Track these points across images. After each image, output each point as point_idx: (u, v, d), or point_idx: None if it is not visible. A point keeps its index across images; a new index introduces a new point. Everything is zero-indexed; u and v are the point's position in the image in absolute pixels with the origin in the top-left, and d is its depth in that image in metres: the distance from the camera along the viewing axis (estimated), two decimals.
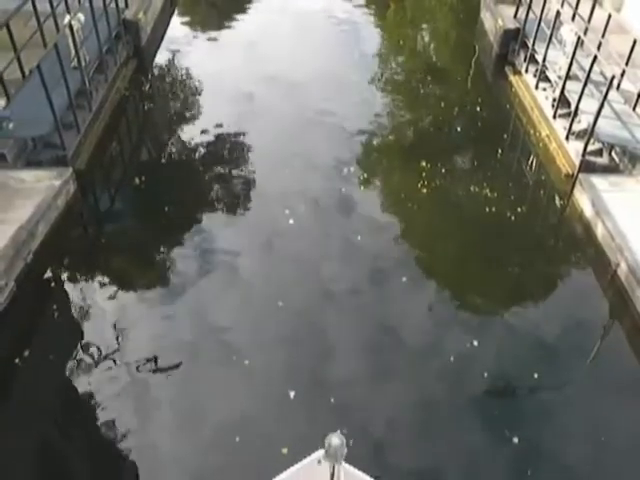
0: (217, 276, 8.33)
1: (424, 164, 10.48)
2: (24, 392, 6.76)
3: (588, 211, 9.23)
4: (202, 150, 11.12)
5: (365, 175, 10.41)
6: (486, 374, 6.97)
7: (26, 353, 7.01)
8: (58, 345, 7.35)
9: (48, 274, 8.18)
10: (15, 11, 9.47)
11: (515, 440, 6.23)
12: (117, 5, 12.47)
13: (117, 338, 7.28)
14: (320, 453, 4.44)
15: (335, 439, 3.71)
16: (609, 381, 7.07)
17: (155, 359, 7.01)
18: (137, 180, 10.08)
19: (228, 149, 11.16)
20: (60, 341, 7.43)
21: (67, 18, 10.09)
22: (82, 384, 6.78)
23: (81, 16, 10.35)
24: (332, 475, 4.19)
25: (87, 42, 10.68)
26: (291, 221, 9.14)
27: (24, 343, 7.17)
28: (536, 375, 6.97)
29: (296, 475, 4.61)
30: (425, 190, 9.95)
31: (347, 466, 4.35)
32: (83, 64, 10.36)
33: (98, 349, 7.13)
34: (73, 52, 10.17)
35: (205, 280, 8.25)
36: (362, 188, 10.10)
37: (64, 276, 8.30)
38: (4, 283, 7.37)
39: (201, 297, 7.97)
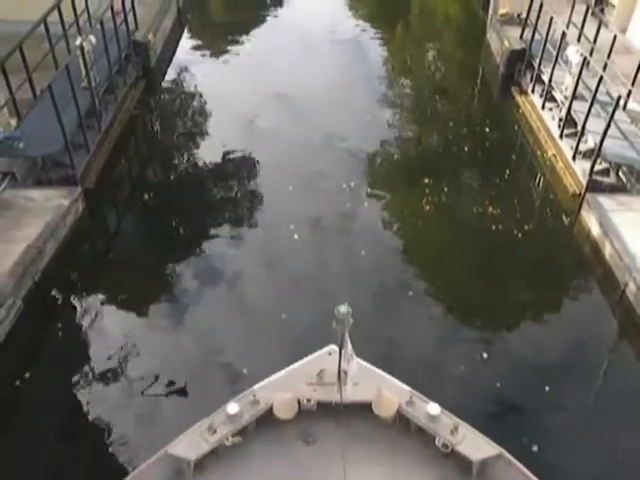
0: (224, 294, 8.34)
1: (431, 183, 10.51)
2: (29, 411, 6.75)
3: (596, 231, 9.20)
4: (209, 169, 11.19)
5: (373, 194, 10.43)
6: (492, 392, 6.91)
7: (33, 372, 7.02)
8: (65, 364, 7.35)
9: (56, 293, 8.20)
10: (28, 33, 9.63)
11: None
12: (127, 27, 12.66)
13: (124, 357, 7.27)
14: (331, 347, 5.21)
15: (343, 308, 4.22)
16: (618, 401, 6.98)
17: (157, 378, 7.00)
18: (145, 200, 10.15)
19: (235, 168, 11.23)
20: (67, 360, 7.43)
21: (78, 40, 10.25)
22: (88, 402, 6.77)
23: (92, 38, 10.51)
24: (340, 364, 4.68)
25: (97, 63, 10.83)
26: (296, 236, 9.18)
27: (31, 362, 7.18)
28: (543, 394, 6.90)
29: (308, 365, 5.32)
30: (432, 208, 9.96)
31: (355, 357, 4.72)
32: (93, 84, 10.49)
33: (105, 368, 7.13)
34: (84, 73, 10.31)
35: (212, 299, 8.26)
36: (369, 206, 10.13)
37: (72, 295, 8.32)
38: (12, 302, 7.40)
39: (208, 317, 7.97)
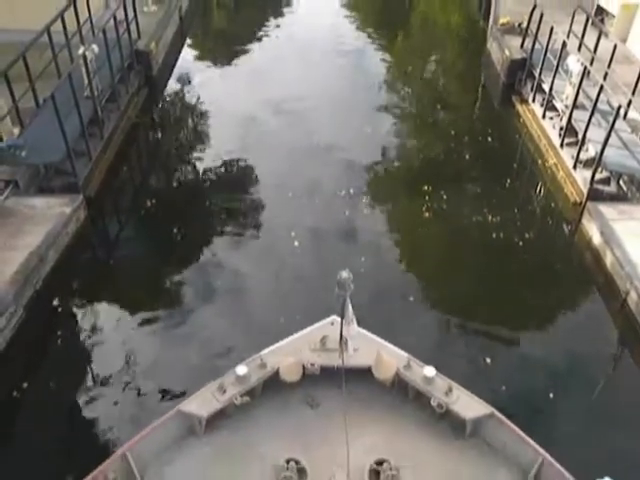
0: (226, 303, 8.34)
1: (432, 191, 10.53)
2: (28, 422, 6.72)
3: (597, 239, 9.21)
4: (210, 178, 11.23)
5: (373, 202, 10.45)
6: (495, 398, 6.88)
7: (33, 381, 7.01)
8: (66, 373, 7.34)
9: (57, 301, 8.21)
10: (31, 42, 9.68)
11: None
12: (130, 36, 12.73)
13: (125, 365, 7.27)
14: (333, 317, 5.60)
15: (344, 273, 4.51)
16: (620, 409, 6.97)
17: (157, 387, 6.99)
18: (146, 208, 10.17)
19: (236, 176, 11.27)
20: (68, 368, 7.42)
21: (81, 49, 10.31)
22: (89, 412, 6.76)
23: (95, 47, 10.58)
24: (341, 331, 5.09)
25: (100, 72, 10.88)
26: (296, 243, 9.19)
27: (31, 371, 7.18)
28: (544, 403, 6.89)
29: (311, 333, 5.68)
30: (433, 216, 9.98)
31: (356, 327, 5.16)
32: (95, 93, 10.54)
33: (106, 376, 7.12)
34: (86, 82, 10.36)
35: (214, 308, 8.26)
36: (369, 214, 10.14)
37: (73, 303, 8.33)
38: (13, 310, 7.40)
39: (210, 325, 7.97)
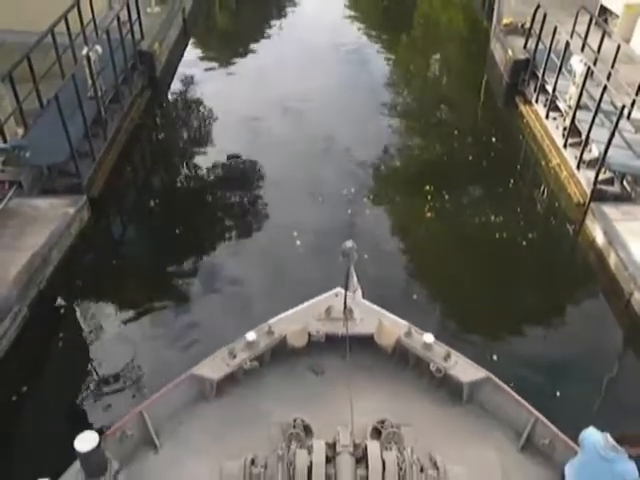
0: (229, 302, 8.34)
1: (435, 191, 10.53)
2: (32, 421, 6.74)
3: (600, 240, 9.19)
4: (214, 178, 11.25)
5: (376, 201, 10.47)
6: None
7: (38, 380, 7.03)
8: (69, 372, 7.36)
9: (61, 301, 8.23)
10: (36, 44, 9.71)
11: None
12: (133, 37, 12.75)
13: (129, 365, 7.28)
14: (337, 289, 5.97)
15: (349, 243, 4.89)
16: (625, 410, 6.95)
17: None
18: (150, 208, 10.19)
19: (240, 176, 11.28)
20: (71, 368, 7.45)
21: (85, 50, 10.33)
22: (93, 410, 6.78)
23: (98, 48, 10.60)
24: (345, 301, 5.45)
25: (103, 73, 10.90)
26: (298, 242, 9.20)
27: (35, 370, 7.20)
28: (548, 404, 6.87)
29: (317, 303, 6.01)
30: (436, 216, 9.98)
31: (359, 298, 5.65)
32: (99, 94, 10.57)
33: (110, 375, 7.14)
34: (90, 82, 10.39)
35: (217, 308, 8.26)
36: (372, 213, 10.16)
37: (76, 303, 8.35)
38: (17, 310, 7.42)
39: (213, 323, 7.98)
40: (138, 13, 13.16)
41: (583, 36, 12.21)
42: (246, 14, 20.39)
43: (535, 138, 12.21)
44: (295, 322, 5.80)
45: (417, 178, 11.26)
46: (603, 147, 9.43)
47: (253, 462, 4.57)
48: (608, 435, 4.45)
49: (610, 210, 9.41)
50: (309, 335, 5.72)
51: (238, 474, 4.48)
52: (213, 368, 5.48)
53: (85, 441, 4.42)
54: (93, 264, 9.42)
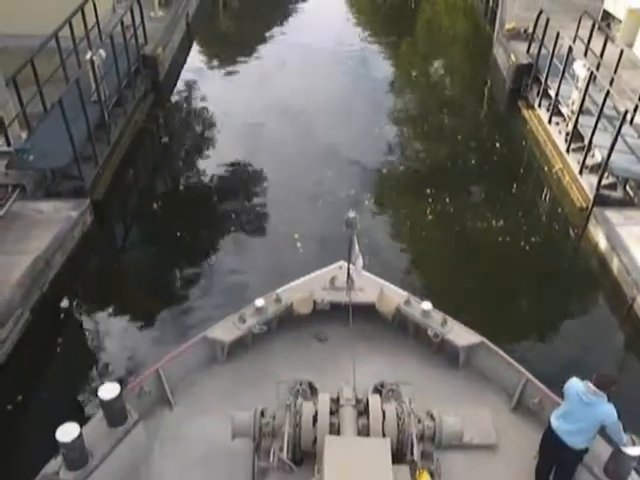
0: (231, 305, 8.32)
1: (438, 195, 10.54)
2: (32, 427, 6.74)
3: (603, 245, 9.18)
4: (216, 182, 11.26)
5: (378, 206, 10.48)
6: None
7: (40, 383, 7.03)
8: (72, 375, 7.36)
9: (63, 303, 8.24)
10: (40, 48, 9.75)
11: None
12: (137, 41, 12.80)
13: (131, 367, 7.28)
14: (340, 262, 6.33)
15: (351, 213, 5.23)
16: (628, 415, 6.92)
17: None
18: (152, 211, 10.20)
19: (243, 179, 11.31)
20: (74, 371, 7.45)
21: (89, 54, 10.37)
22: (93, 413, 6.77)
23: (102, 52, 10.64)
24: (349, 268, 5.78)
25: (107, 77, 10.94)
26: (298, 244, 9.21)
27: (38, 373, 7.20)
28: None
29: (321, 275, 6.40)
30: (439, 220, 9.98)
31: (362, 271, 5.81)
32: (103, 98, 10.60)
33: (112, 379, 7.12)
34: (93, 87, 10.42)
35: (219, 309, 8.24)
36: (373, 217, 10.16)
37: (79, 305, 8.36)
38: (20, 313, 7.43)
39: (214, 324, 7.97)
40: (142, 17, 13.21)
41: (586, 41, 12.24)
42: (249, 18, 20.43)
43: (538, 143, 12.21)
44: (301, 291, 6.17)
45: (420, 182, 11.26)
46: (606, 152, 9.44)
47: (262, 413, 4.83)
48: (588, 382, 4.75)
49: (613, 215, 9.41)
50: (314, 303, 6.08)
51: (248, 423, 4.75)
52: (224, 331, 5.85)
53: (108, 391, 4.79)
54: (96, 267, 9.44)
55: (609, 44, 12.00)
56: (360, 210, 10.20)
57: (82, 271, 8.99)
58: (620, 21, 15.08)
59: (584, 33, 12.36)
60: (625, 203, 9.80)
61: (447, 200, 10.52)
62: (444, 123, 13.57)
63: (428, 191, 10.75)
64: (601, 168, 9.65)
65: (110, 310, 8.30)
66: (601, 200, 9.73)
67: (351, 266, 5.75)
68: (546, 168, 11.54)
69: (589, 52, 12.09)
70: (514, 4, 16.81)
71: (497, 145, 12.49)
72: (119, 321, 8.12)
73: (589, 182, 10.08)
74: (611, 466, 4.87)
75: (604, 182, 9.77)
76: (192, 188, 11.27)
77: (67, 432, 4.53)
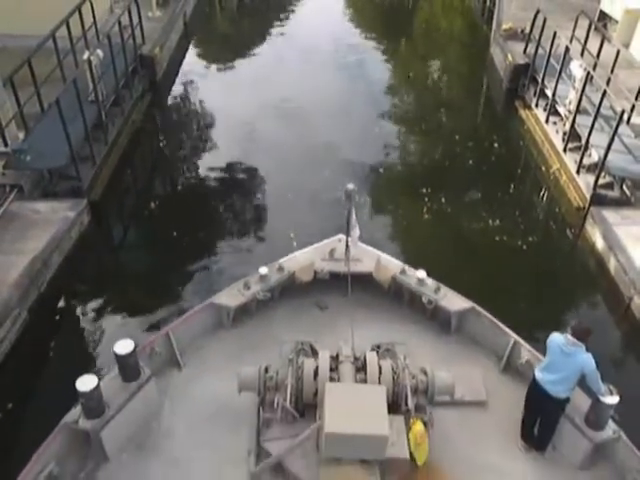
0: None
1: (435, 195, 10.55)
2: (28, 429, 6.72)
3: (600, 244, 9.20)
4: (213, 182, 11.26)
5: (376, 206, 10.47)
6: None
7: (38, 382, 7.02)
8: (69, 376, 7.34)
9: (61, 304, 8.23)
10: (37, 48, 9.73)
11: None
12: (134, 41, 12.79)
13: None
14: (339, 235, 6.67)
15: (350, 186, 5.45)
16: (625, 415, 6.94)
17: None
18: (150, 211, 10.19)
19: (240, 179, 11.30)
20: (71, 372, 7.41)
21: (86, 54, 10.36)
22: None
23: (100, 52, 10.64)
24: (348, 238, 5.99)
25: (105, 77, 10.93)
26: (294, 244, 9.21)
27: (35, 372, 7.19)
28: None
29: (321, 247, 6.76)
30: (436, 220, 9.98)
31: (359, 243, 6.20)
32: (100, 98, 10.59)
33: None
34: (91, 86, 10.41)
35: None
36: (371, 218, 10.15)
37: (77, 305, 8.35)
38: (17, 313, 7.42)
39: None
40: (139, 17, 13.22)
41: (582, 41, 12.26)
42: (247, 19, 20.47)
43: (535, 142, 12.24)
44: (302, 261, 6.53)
45: (417, 182, 11.26)
46: (603, 152, 9.46)
47: (267, 370, 5.16)
48: (568, 335, 5.11)
49: (610, 214, 9.43)
50: (315, 272, 6.42)
51: (254, 378, 5.09)
52: (230, 297, 6.19)
53: (123, 347, 5.14)
54: (93, 267, 9.42)
55: (606, 44, 12.04)
56: (359, 212, 10.23)
57: (79, 271, 8.97)
58: (616, 21, 15.13)
59: (581, 33, 12.39)
60: (622, 203, 9.82)
61: (444, 200, 10.53)
62: (441, 123, 13.59)
63: (425, 191, 10.76)
64: (598, 168, 9.68)
65: (107, 310, 8.28)
66: (598, 200, 9.75)
67: (349, 238, 6.00)
68: (543, 168, 11.56)
69: (586, 52, 12.11)
70: (511, 4, 16.86)
71: (494, 145, 12.51)
72: (116, 321, 8.10)
73: (586, 182, 10.11)
74: (591, 416, 5.17)
75: (601, 182, 9.80)
76: (189, 188, 11.26)
77: (86, 382, 4.87)
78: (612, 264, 8.76)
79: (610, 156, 9.44)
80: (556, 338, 5.20)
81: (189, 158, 12.12)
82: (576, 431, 5.19)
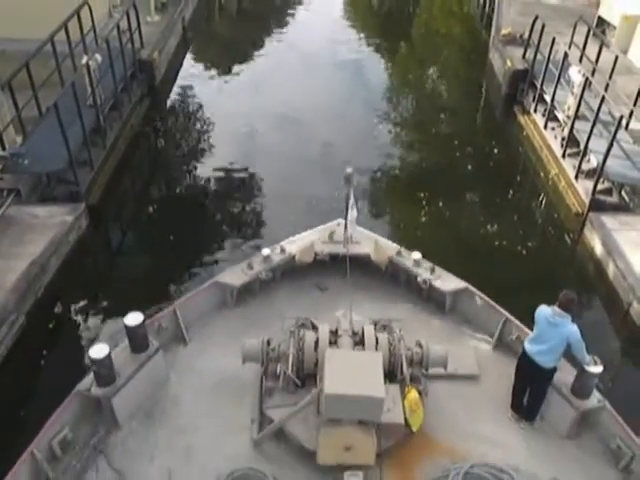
0: None
1: (434, 200, 10.54)
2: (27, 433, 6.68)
3: (599, 250, 9.19)
4: (212, 186, 11.25)
5: (375, 211, 10.46)
6: None
7: (35, 386, 6.99)
8: (66, 380, 7.30)
9: (58, 308, 8.19)
10: (35, 52, 9.71)
11: None
12: (133, 45, 12.78)
13: None
14: (338, 220, 6.98)
15: (349, 169, 5.97)
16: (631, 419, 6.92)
17: None
18: (148, 215, 10.16)
19: (236, 184, 11.30)
20: (69, 376, 7.38)
21: (85, 58, 10.35)
22: None
23: (98, 56, 10.62)
24: (346, 225, 6.44)
25: (103, 81, 10.92)
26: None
27: (33, 377, 7.15)
28: None
29: (321, 230, 7.07)
30: (435, 225, 9.97)
31: (358, 227, 6.62)
32: (98, 102, 10.57)
33: None
34: (89, 91, 10.39)
35: None
36: (370, 223, 10.11)
37: (74, 310, 8.32)
38: (15, 317, 7.39)
39: None
40: (138, 22, 13.20)
41: (581, 47, 12.29)
42: (246, 23, 20.49)
43: (534, 148, 12.24)
44: (303, 244, 6.80)
45: (416, 187, 11.26)
46: (601, 157, 9.46)
47: (269, 342, 5.40)
48: (554, 306, 5.34)
49: (608, 220, 9.43)
50: (315, 254, 6.70)
51: (257, 349, 5.33)
52: (234, 276, 6.50)
53: (133, 318, 5.43)
54: (91, 272, 9.39)
55: (604, 50, 12.06)
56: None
57: (77, 276, 8.94)
58: (615, 27, 15.16)
59: (579, 39, 12.42)
60: (621, 208, 9.82)
61: (443, 205, 10.53)
62: (440, 128, 13.60)
63: (423, 195, 10.76)
64: (597, 173, 9.68)
65: (105, 314, 8.25)
66: (597, 205, 9.75)
67: (348, 219, 6.32)
68: (542, 173, 11.56)
69: (584, 58, 12.14)
70: (510, 9, 16.92)
71: (493, 150, 12.51)
72: (114, 325, 8.06)
73: (585, 187, 10.10)
74: (577, 386, 5.42)
75: (600, 187, 9.80)
76: (188, 192, 11.25)
77: (98, 350, 5.15)
78: (611, 270, 8.75)
79: (609, 162, 9.44)
80: (543, 310, 5.42)
81: (187, 162, 12.10)
82: (563, 401, 5.43)
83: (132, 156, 11.93)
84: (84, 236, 9.26)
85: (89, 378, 5.34)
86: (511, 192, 11.22)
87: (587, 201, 9.83)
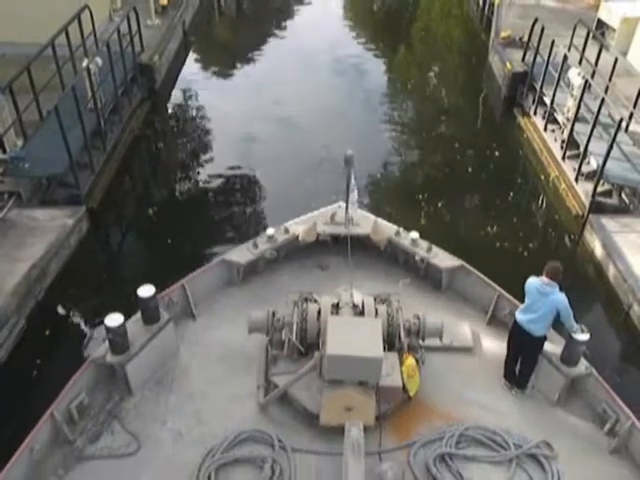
0: None
1: (433, 203, 10.55)
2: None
3: (599, 252, 9.19)
4: (212, 189, 11.25)
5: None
6: None
7: (34, 390, 6.98)
8: (66, 384, 7.30)
9: (59, 311, 8.18)
10: (36, 55, 9.74)
11: None
12: (133, 49, 12.82)
13: None
14: (340, 203, 7.22)
15: (349, 151, 6.17)
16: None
17: None
18: (149, 219, 10.16)
19: (236, 187, 11.30)
20: (69, 379, 7.38)
21: (85, 62, 10.37)
22: None
23: (98, 60, 10.65)
24: (347, 207, 6.82)
25: (103, 84, 10.94)
26: None
27: (32, 381, 7.15)
28: None
29: (323, 212, 7.33)
30: (436, 227, 9.96)
31: (358, 209, 7.03)
32: (99, 106, 10.59)
33: None
34: (90, 94, 10.41)
35: None
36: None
37: (74, 313, 8.30)
38: (15, 321, 7.39)
39: None
40: (138, 25, 13.24)
41: (581, 49, 12.30)
42: (246, 26, 20.52)
43: (534, 150, 12.25)
44: (306, 225, 7.06)
45: (416, 189, 11.28)
46: (601, 159, 9.46)
47: (274, 314, 5.64)
48: (542, 277, 5.59)
49: (608, 222, 9.43)
50: (317, 234, 6.96)
51: (262, 320, 5.60)
52: (240, 255, 6.81)
53: (145, 290, 5.75)
54: (91, 275, 9.38)
55: (604, 52, 12.08)
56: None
57: (78, 279, 8.93)
58: (614, 30, 15.18)
59: (579, 41, 12.44)
60: (621, 210, 9.83)
61: (443, 207, 10.54)
62: (440, 130, 13.62)
63: (423, 197, 10.77)
64: (597, 175, 9.68)
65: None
66: (597, 207, 9.75)
67: (348, 201, 6.62)
68: (542, 175, 11.56)
69: (584, 60, 12.16)
70: (509, 12, 16.96)
71: (493, 153, 12.52)
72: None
73: (585, 189, 10.11)
74: (565, 353, 5.67)
75: (600, 189, 9.80)
76: (188, 195, 11.26)
77: (114, 319, 5.45)
78: (611, 272, 8.75)
79: (609, 164, 9.45)
80: (533, 281, 5.68)
81: (188, 165, 12.11)
82: (553, 369, 5.70)
83: (132, 159, 11.95)
84: (85, 239, 9.27)
85: (104, 347, 5.60)
86: (511, 194, 11.23)
87: (587, 203, 9.84)
